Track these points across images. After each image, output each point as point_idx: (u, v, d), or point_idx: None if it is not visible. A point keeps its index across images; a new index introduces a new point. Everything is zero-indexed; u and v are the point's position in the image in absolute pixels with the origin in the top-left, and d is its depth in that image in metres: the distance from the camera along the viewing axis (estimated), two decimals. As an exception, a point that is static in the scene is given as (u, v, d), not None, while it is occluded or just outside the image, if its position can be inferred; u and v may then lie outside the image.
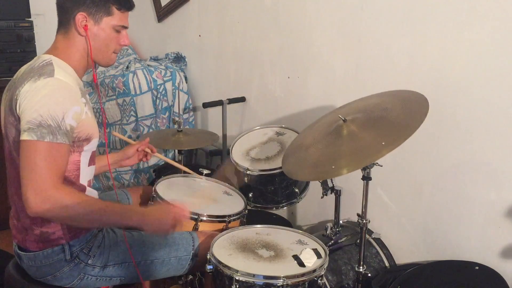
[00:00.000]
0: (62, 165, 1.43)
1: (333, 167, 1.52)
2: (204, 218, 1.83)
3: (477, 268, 1.69)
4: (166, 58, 3.25)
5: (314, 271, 1.52)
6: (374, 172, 1.64)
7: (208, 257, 1.56)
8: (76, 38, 1.53)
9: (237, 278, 1.47)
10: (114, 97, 2.95)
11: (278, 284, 1.46)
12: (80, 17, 1.50)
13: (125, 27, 1.60)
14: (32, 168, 1.36)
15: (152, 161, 2.93)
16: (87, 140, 1.52)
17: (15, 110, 1.42)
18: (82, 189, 1.56)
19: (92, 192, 1.61)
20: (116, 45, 1.59)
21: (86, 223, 1.50)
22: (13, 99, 1.44)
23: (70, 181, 1.51)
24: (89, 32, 1.52)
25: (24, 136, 1.37)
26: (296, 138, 1.93)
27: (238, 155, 2.17)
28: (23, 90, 1.41)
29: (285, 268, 1.52)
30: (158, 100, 3.00)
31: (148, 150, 1.94)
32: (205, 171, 2.08)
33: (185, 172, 2.10)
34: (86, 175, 1.58)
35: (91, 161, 1.60)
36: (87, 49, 1.55)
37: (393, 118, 1.54)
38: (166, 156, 3.08)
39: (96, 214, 1.46)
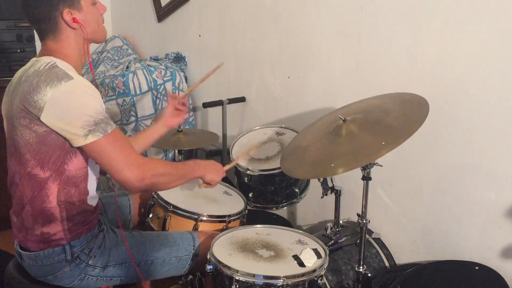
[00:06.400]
0: (130, 143, 1.53)
1: (333, 165, 1.52)
2: (204, 218, 1.83)
3: (477, 268, 1.69)
4: (166, 58, 3.24)
5: (314, 271, 1.52)
6: (374, 172, 1.64)
7: (208, 257, 1.57)
8: (70, 35, 1.52)
9: (237, 278, 1.48)
10: (114, 97, 2.95)
11: (278, 284, 1.46)
12: (67, 14, 1.50)
13: None
14: (116, 157, 1.45)
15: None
16: None
17: (31, 113, 1.40)
18: (87, 193, 1.56)
19: (94, 196, 1.60)
20: (100, 17, 1.61)
21: (173, 186, 1.65)
22: (30, 103, 1.40)
23: (78, 186, 1.52)
24: (80, 21, 1.52)
25: (90, 139, 1.41)
26: (295, 137, 1.93)
27: (238, 155, 2.17)
28: (49, 97, 1.38)
29: (285, 268, 1.53)
30: (158, 100, 3.00)
31: (180, 107, 1.99)
32: None
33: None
34: (92, 181, 1.57)
35: (97, 167, 1.59)
36: (82, 39, 1.55)
37: (393, 119, 1.54)
38: (166, 155, 3.08)
39: (180, 175, 1.64)
